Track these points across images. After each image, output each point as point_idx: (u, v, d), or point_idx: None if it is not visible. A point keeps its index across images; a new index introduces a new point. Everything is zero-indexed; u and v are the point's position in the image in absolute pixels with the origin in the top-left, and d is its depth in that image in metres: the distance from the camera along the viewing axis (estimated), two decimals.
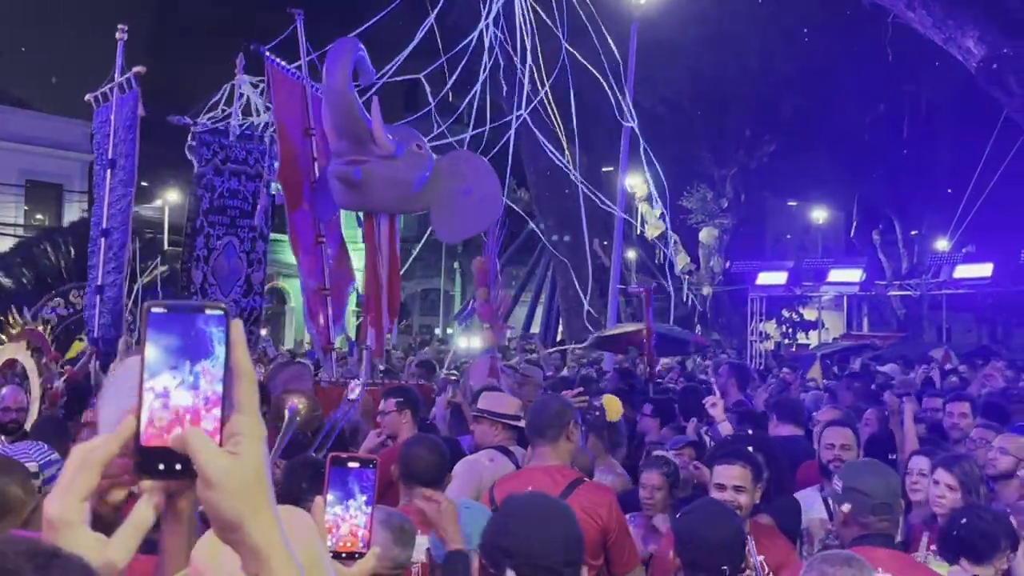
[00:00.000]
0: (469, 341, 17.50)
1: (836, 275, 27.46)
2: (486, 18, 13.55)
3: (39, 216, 35.92)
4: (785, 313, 37.34)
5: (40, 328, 13.27)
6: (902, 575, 3.53)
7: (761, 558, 4.04)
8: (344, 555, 1.73)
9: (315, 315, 9.99)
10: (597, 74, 16.43)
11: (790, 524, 5.06)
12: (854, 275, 27.32)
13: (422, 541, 3.59)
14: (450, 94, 15.60)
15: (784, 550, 4.37)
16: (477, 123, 14.71)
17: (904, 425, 6.41)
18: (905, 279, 32.65)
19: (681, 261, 34.92)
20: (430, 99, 12.90)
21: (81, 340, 13.03)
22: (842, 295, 31.82)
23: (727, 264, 36.62)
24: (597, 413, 5.93)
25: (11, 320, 11.73)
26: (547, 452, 4.53)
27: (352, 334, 11.26)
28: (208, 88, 11.04)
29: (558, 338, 30.79)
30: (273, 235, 12.24)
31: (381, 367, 10.15)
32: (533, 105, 14.59)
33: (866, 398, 9.19)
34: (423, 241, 17.59)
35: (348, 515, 1.74)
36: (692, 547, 3.53)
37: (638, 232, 27.16)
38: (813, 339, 35.23)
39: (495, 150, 13.62)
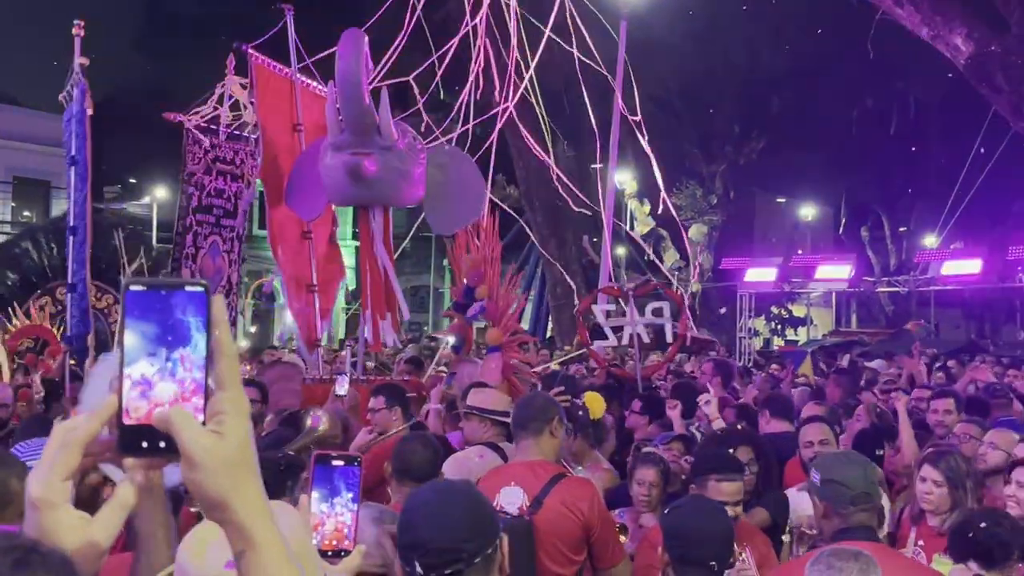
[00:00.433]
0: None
1: (824, 272, 27.48)
2: (472, 19, 13.51)
3: (27, 213, 35.81)
4: (774, 310, 37.44)
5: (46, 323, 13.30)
6: (887, 567, 3.53)
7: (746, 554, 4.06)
8: (330, 553, 1.72)
9: (299, 311, 9.96)
10: (598, 67, 16.43)
11: (781, 519, 5.09)
12: (842, 272, 27.33)
13: None
14: (441, 91, 15.57)
15: (763, 548, 4.39)
16: (466, 119, 14.69)
17: (899, 421, 6.45)
18: (893, 275, 32.75)
19: (670, 258, 35.00)
20: (418, 99, 12.86)
21: None
22: (831, 292, 31.89)
23: (713, 260, 36.68)
24: (580, 412, 5.93)
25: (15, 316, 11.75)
26: (530, 447, 4.53)
27: (340, 331, 11.25)
28: (199, 86, 11.00)
29: (547, 335, 30.78)
30: (265, 232, 12.22)
31: (371, 363, 10.15)
32: (518, 96, 14.55)
33: (854, 394, 9.22)
34: (409, 236, 17.57)
35: (334, 512, 1.73)
36: (681, 542, 3.54)
37: (627, 230, 27.19)
38: (802, 336, 35.33)
39: (484, 146, 13.59)
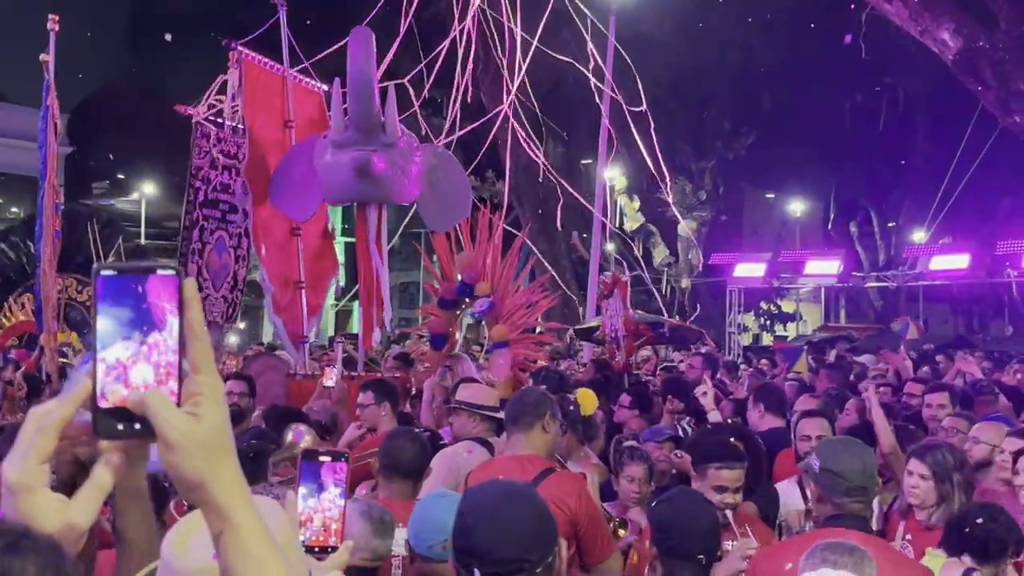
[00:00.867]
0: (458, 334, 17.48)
1: (813, 267, 27.49)
2: (460, 22, 13.51)
3: (14, 209, 35.71)
4: (763, 305, 37.53)
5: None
6: (875, 559, 3.54)
7: (732, 543, 4.07)
8: (317, 549, 1.71)
9: (284, 308, 9.92)
10: (589, 64, 16.44)
11: (771, 513, 5.09)
12: (831, 267, 27.36)
13: (401, 534, 3.57)
14: (427, 89, 15.57)
15: (766, 539, 4.39)
16: (456, 119, 14.72)
17: (873, 412, 6.43)
18: (882, 271, 32.79)
19: (659, 254, 35.07)
20: (413, 100, 12.84)
21: (64, 332, 13.01)
22: (819, 287, 31.95)
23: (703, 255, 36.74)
24: (572, 407, 5.93)
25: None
26: (520, 441, 4.54)
27: (330, 327, 11.23)
28: (187, 83, 10.96)
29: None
30: None
31: (363, 359, 10.16)
32: (512, 98, 14.55)
33: (844, 388, 9.22)
34: (400, 232, 17.55)
35: (321, 508, 1.72)
36: (669, 535, 3.54)
37: (617, 226, 27.18)
38: (791, 331, 35.40)
39: (483, 149, 13.62)
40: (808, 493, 4.56)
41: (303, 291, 10.08)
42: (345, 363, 10.11)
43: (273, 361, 9.73)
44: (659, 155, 17.07)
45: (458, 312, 9.51)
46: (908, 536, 4.60)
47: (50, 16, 9.45)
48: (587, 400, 6.31)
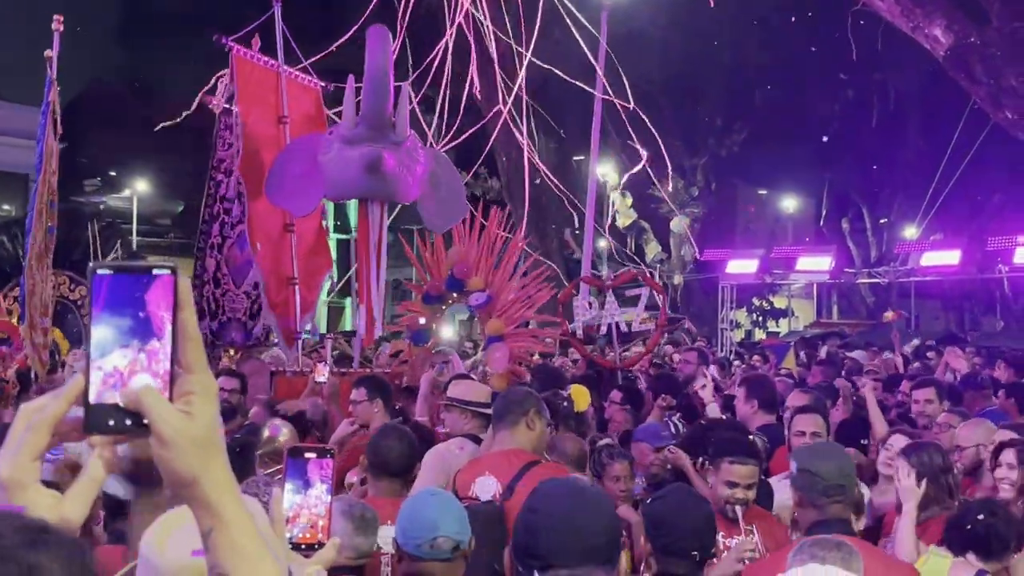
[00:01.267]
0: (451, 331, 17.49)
1: (806, 263, 27.55)
2: (452, 25, 13.53)
3: (6, 207, 35.60)
4: (755, 301, 37.51)
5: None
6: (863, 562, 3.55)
7: (738, 539, 4.09)
8: (304, 546, 1.71)
9: (277, 304, 9.88)
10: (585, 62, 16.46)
11: (765, 508, 5.10)
12: (823, 263, 27.42)
13: (388, 532, 3.56)
14: (428, 92, 15.59)
15: (783, 534, 4.42)
16: (451, 118, 14.74)
17: (869, 408, 6.45)
18: (874, 267, 32.85)
19: (652, 250, 35.03)
20: (413, 100, 12.84)
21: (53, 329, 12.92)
22: (812, 283, 31.99)
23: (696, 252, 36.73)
24: (565, 404, 5.93)
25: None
26: (505, 437, 4.56)
27: (323, 324, 11.21)
28: (180, 80, 10.92)
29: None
30: None
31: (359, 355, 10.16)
32: (511, 99, 14.57)
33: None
34: (388, 227, 17.52)
35: (308, 504, 1.72)
36: (664, 532, 3.54)
37: (609, 222, 27.16)
38: (783, 327, 35.42)
39: (484, 153, 13.66)
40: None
41: (296, 287, 10.05)
42: (337, 360, 10.09)
43: (260, 367, 9.67)
44: (663, 148, 17.08)
45: (443, 307, 9.53)
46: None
47: (55, 16, 9.47)
48: (580, 396, 6.32)
